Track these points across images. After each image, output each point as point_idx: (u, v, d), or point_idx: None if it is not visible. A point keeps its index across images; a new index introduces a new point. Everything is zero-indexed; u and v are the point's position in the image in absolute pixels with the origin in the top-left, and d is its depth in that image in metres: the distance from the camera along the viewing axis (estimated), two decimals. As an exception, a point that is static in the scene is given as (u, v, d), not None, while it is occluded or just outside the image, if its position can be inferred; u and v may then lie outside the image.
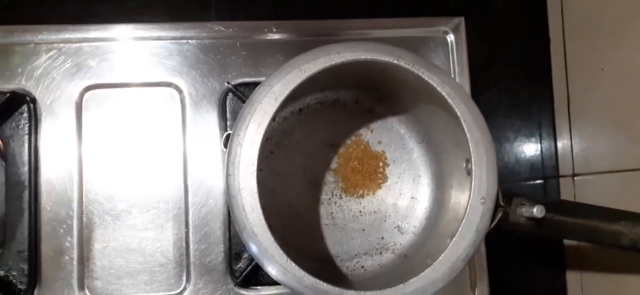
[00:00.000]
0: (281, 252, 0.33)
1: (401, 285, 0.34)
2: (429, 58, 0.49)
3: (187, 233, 0.45)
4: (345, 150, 0.45)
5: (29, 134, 0.43)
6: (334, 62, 0.36)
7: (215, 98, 0.46)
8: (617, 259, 0.45)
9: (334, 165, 0.45)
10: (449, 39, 0.49)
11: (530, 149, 0.52)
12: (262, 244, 0.34)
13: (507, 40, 0.52)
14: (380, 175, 0.45)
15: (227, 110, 0.46)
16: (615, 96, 0.45)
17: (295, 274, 0.33)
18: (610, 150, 0.46)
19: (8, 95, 0.42)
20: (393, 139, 0.46)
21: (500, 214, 0.35)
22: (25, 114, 0.43)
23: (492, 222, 0.35)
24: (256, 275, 0.45)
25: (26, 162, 0.43)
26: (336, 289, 0.33)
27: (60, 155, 0.44)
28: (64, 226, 0.44)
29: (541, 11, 0.52)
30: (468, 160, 0.36)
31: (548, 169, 0.51)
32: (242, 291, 0.45)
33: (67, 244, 0.43)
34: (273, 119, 0.35)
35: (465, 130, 0.35)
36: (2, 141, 0.43)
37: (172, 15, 0.47)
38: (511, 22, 0.52)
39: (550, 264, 0.51)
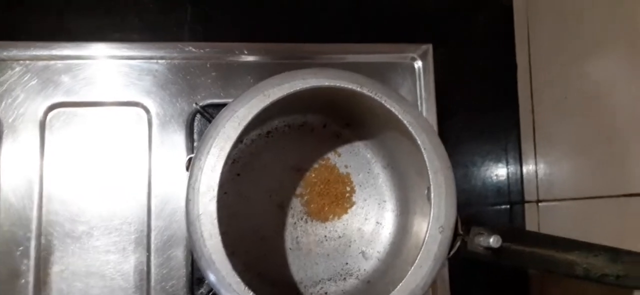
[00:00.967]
0: (239, 280, 0.33)
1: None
2: (397, 83, 0.49)
3: (148, 257, 0.44)
4: (312, 173, 0.45)
5: (-12, 151, 0.42)
6: (298, 88, 0.36)
7: (183, 119, 0.46)
8: (578, 287, 0.46)
9: (300, 189, 0.45)
10: (416, 66, 0.50)
11: (496, 174, 0.52)
12: (220, 272, 0.33)
13: (474, 66, 0.53)
14: (346, 200, 0.45)
15: (195, 131, 0.46)
16: (577, 124, 0.46)
17: (254, 302, 0.33)
18: (573, 177, 0.47)
19: (-32, 112, 0.42)
20: (360, 164, 0.46)
21: (458, 243, 0.36)
22: (-15, 132, 0.42)
23: (450, 251, 0.36)
24: (218, 301, 0.44)
25: (-16, 181, 0.42)
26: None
27: (21, 174, 0.43)
28: (21, 248, 0.42)
29: (508, 38, 0.54)
30: (429, 188, 0.36)
31: (514, 194, 0.52)
32: (205, 316, 0.44)
33: (23, 267, 0.42)
34: (240, 141, 0.35)
35: (425, 158, 0.36)
36: (-40, 159, 0.42)
37: (146, 33, 0.47)
38: (478, 48, 0.53)
39: (514, 291, 0.51)
